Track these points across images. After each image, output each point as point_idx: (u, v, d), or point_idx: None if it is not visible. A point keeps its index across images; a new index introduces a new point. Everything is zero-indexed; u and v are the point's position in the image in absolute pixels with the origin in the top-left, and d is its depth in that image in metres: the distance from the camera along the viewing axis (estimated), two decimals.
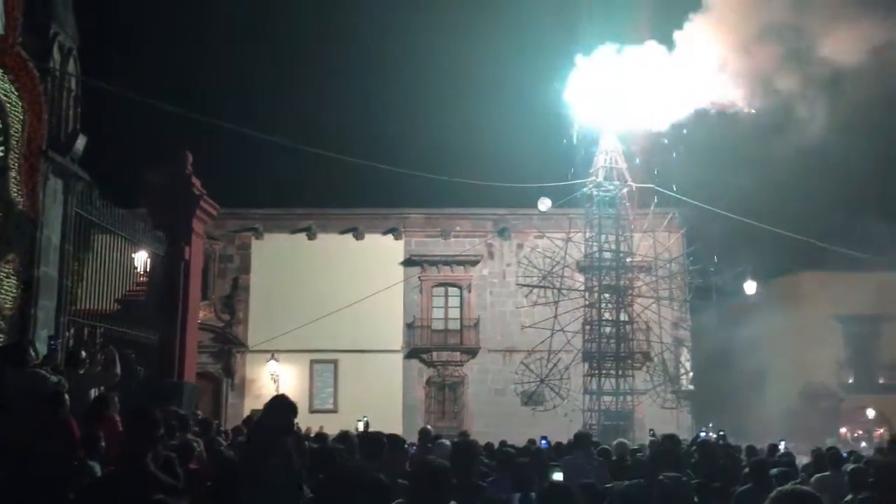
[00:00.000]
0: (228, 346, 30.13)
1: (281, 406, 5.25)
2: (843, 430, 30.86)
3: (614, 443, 10.42)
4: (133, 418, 5.11)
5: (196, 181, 14.60)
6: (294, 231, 31.15)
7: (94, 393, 8.93)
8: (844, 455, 11.75)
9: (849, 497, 6.20)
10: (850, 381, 33.29)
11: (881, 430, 30.73)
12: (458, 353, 30.61)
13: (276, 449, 4.96)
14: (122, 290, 13.05)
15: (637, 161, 21.91)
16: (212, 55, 52.27)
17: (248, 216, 30.90)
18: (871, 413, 32.77)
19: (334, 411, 28.72)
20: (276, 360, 29.33)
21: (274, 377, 29.28)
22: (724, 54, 19.29)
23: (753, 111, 19.68)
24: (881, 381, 33.09)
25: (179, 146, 15.23)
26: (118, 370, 9.40)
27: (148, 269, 13.80)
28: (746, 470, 7.38)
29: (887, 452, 9.17)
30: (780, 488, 3.17)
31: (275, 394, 23.59)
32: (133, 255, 13.35)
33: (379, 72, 53.77)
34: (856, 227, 28.71)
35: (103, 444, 6.74)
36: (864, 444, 27.42)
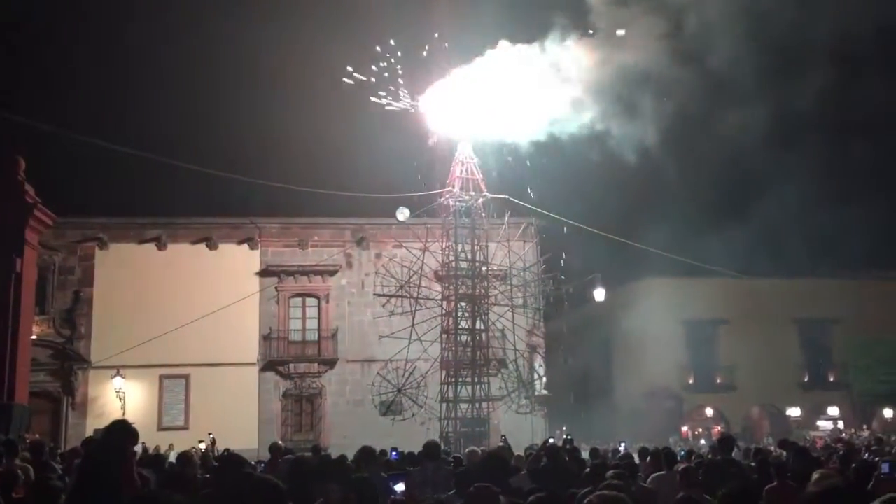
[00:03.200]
0: (69, 362, 28.41)
1: (118, 433, 4.94)
2: (684, 428, 32.63)
3: (466, 451, 10.48)
4: None
5: (29, 189, 13.70)
6: (142, 241, 29.83)
7: None
8: (683, 453, 12.41)
9: (680, 494, 6.49)
10: (691, 381, 35.27)
11: (718, 428, 32.72)
12: (315, 365, 30.19)
13: (107, 478, 4.65)
14: None
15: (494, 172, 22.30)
16: (51, 56, 49.38)
17: (91, 226, 29.36)
18: (709, 412, 34.89)
19: (185, 428, 27.69)
20: (122, 376, 27.90)
21: (119, 394, 27.86)
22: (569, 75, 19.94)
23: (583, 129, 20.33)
24: (719, 382, 35.24)
25: (10, 152, 14.23)
26: None
27: None
28: (587, 471, 7.61)
29: (718, 451, 9.72)
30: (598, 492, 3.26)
31: (120, 412, 22.40)
32: None
33: (234, 79, 52.44)
34: (697, 237, 30.62)
35: None
36: (703, 441, 29.07)
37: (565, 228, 23.49)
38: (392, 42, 19.56)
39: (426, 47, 19.95)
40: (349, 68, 19.16)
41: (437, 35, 19.97)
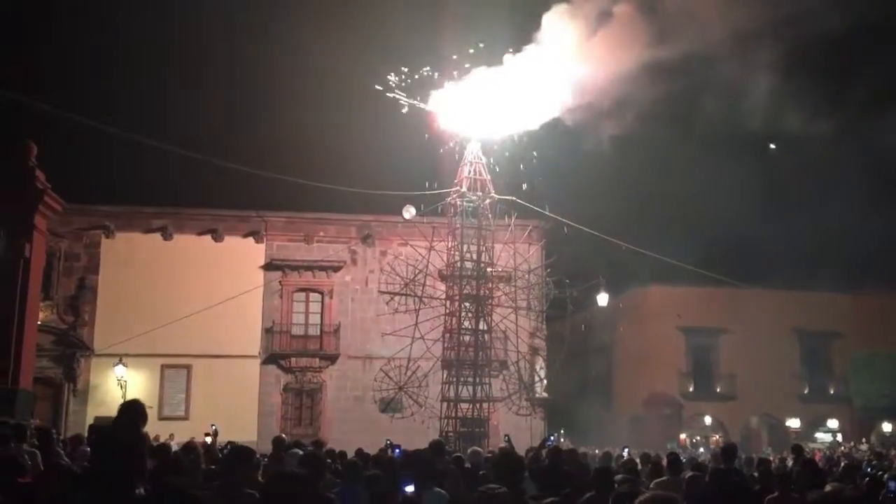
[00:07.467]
0: (72, 349, 28.48)
1: (130, 413, 4.98)
2: (682, 435, 32.62)
3: (469, 451, 10.52)
4: None
5: (40, 174, 13.75)
6: (148, 231, 29.90)
7: None
8: (683, 460, 12.43)
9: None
10: (691, 389, 35.29)
11: (716, 436, 32.73)
12: (317, 360, 30.25)
13: (120, 459, 4.69)
14: None
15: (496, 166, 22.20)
16: (63, 42, 49.46)
17: (98, 213, 29.44)
18: (708, 420, 34.91)
19: (185, 418, 27.74)
20: (124, 364, 27.99)
21: (121, 382, 27.94)
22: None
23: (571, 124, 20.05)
24: (718, 390, 35.26)
25: (23, 136, 14.28)
26: None
27: None
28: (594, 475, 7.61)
29: (720, 459, 9.76)
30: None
31: (121, 400, 22.39)
32: None
33: (247, 72, 52.47)
34: (702, 245, 30.60)
35: None
36: (701, 449, 29.08)
37: (566, 229, 23.44)
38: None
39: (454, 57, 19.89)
40: (391, 76, 19.09)
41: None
